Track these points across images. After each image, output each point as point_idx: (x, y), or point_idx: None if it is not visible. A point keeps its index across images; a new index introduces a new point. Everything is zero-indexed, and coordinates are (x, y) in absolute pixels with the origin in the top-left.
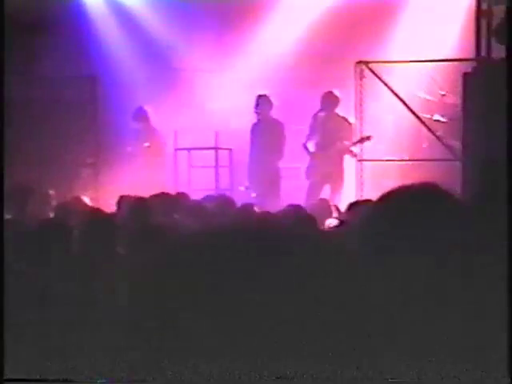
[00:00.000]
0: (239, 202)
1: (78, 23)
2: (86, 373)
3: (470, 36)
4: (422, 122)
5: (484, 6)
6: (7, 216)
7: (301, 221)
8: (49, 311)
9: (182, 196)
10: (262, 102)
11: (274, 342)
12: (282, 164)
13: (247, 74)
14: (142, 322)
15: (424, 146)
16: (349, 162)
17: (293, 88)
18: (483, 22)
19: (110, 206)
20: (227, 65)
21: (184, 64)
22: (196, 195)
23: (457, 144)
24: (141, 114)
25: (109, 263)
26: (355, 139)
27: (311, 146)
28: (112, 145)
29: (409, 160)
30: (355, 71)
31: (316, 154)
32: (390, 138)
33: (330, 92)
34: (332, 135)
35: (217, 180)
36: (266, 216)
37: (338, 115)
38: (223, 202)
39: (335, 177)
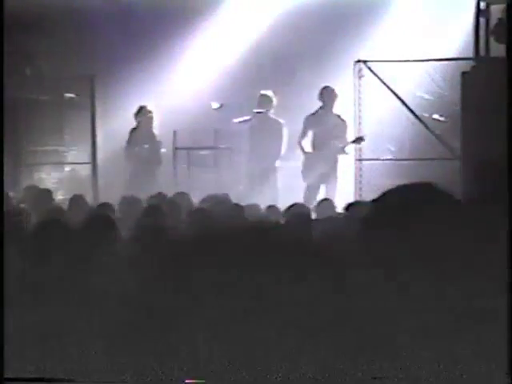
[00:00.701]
0: (238, 202)
1: (76, 22)
2: (86, 373)
3: (468, 35)
4: (421, 121)
5: (482, 5)
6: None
7: (301, 222)
8: (49, 312)
9: (181, 196)
10: (262, 101)
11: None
12: (280, 163)
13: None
14: (144, 323)
15: (423, 144)
16: (347, 161)
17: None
18: (482, 21)
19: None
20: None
21: (182, 62)
22: (195, 195)
23: (456, 143)
24: (141, 113)
25: (109, 263)
26: (351, 139)
27: (306, 145)
28: (110, 145)
29: (407, 159)
30: (354, 70)
31: (312, 153)
32: (389, 137)
33: (328, 87)
34: (327, 133)
35: (216, 179)
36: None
37: (333, 113)
38: (223, 201)
39: (330, 176)
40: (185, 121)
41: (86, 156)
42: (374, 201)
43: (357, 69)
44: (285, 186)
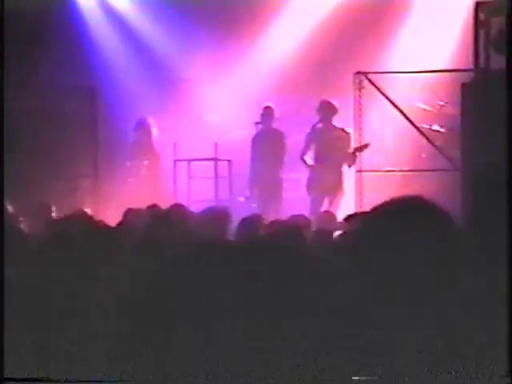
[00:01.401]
0: (239, 214)
1: (75, 33)
2: (86, 373)
3: (468, 47)
4: (421, 133)
5: (482, 17)
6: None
7: (304, 234)
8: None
9: (179, 208)
10: (265, 113)
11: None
12: (282, 174)
13: (247, 84)
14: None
15: (423, 156)
16: (348, 173)
17: (292, 97)
18: (481, 33)
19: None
20: (226, 74)
21: (184, 74)
22: (195, 206)
23: (456, 154)
24: (141, 126)
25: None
26: (353, 148)
27: (309, 159)
28: (111, 157)
29: (408, 170)
30: (354, 82)
31: (314, 166)
32: (389, 148)
33: (327, 101)
34: (330, 146)
35: (216, 191)
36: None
37: (335, 126)
38: (223, 213)
39: (335, 188)
40: (185, 132)
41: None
42: (364, 215)
43: (357, 80)
44: (290, 198)
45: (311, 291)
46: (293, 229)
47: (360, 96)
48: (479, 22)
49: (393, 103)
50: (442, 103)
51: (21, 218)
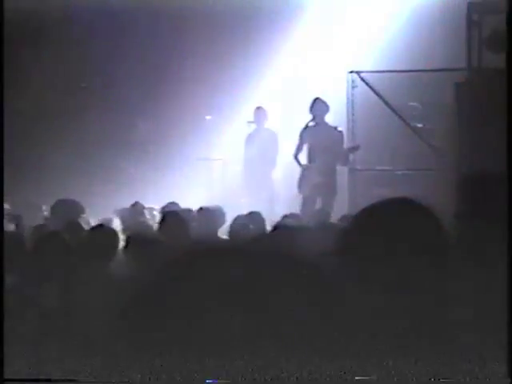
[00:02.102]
0: (233, 213)
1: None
2: (86, 373)
3: (461, 46)
4: (414, 131)
5: (475, 17)
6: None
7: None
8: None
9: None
10: (258, 113)
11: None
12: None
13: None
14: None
15: (416, 154)
16: (341, 172)
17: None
18: (474, 32)
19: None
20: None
21: (180, 74)
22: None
23: (448, 153)
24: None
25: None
26: (345, 148)
27: (302, 158)
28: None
29: (401, 169)
30: (347, 80)
31: (307, 166)
32: (382, 147)
33: (318, 99)
34: (322, 146)
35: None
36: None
37: (327, 124)
38: (219, 213)
39: (327, 188)
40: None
41: None
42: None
43: (350, 79)
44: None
45: (304, 291)
46: (285, 228)
47: (353, 95)
48: (472, 21)
49: (386, 102)
50: (435, 102)
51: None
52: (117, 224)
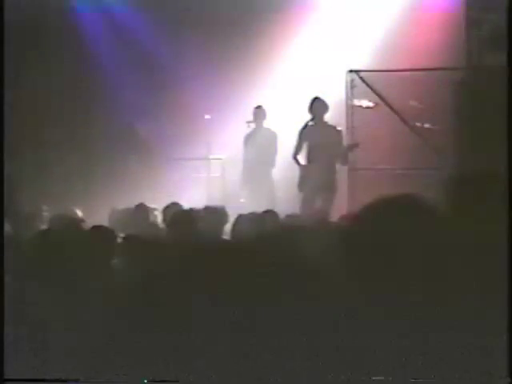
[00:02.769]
0: (233, 213)
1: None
2: (86, 373)
3: (460, 45)
4: (414, 131)
5: (473, 15)
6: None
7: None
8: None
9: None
10: (257, 113)
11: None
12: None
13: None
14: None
15: (416, 154)
16: (341, 171)
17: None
18: (473, 31)
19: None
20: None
21: (176, 73)
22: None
23: (447, 152)
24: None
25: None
26: (344, 147)
27: (301, 158)
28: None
29: (401, 168)
30: (346, 80)
31: (307, 165)
32: (382, 146)
33: (318, 98)
34: (322, 144)
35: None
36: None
37: (327, 123)
38: (220, 212)
39: (327, 187)
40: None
41: None
42: (356, 214)
43: (349, 78)
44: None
45: (305, 289)
46: (285, 228)
47: (352, 94)
48: (471, 20)
49: (385, 101)
50: (434, 101)
51: None
52: (120, 225)
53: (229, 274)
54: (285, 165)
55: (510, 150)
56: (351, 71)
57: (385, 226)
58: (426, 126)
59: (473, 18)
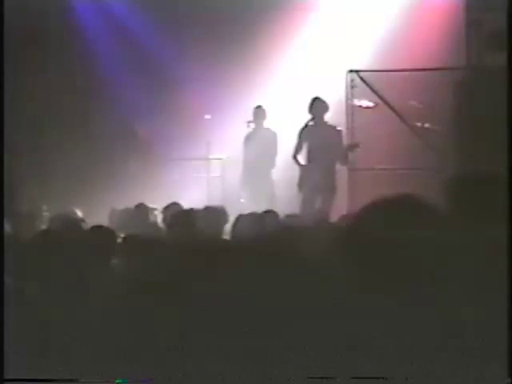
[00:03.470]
0: (234, 213)
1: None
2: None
3: (460, 45)
4: (413, 131)
5: (473, 16)
6: None
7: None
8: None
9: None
10: (257, 113)
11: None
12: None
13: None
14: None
15: (416, 154)
16: (341, 171)
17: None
18: (473, 31)
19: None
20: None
21: (176, 73)
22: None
23: (447, 152)
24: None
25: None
26: (344, 148)
27: (301, 158)
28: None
29: (401, 168)
30: (346, 80)
31: (307, 165)
32: (382, 146)
33: (318, 99)
34: (322, 145)
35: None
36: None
37: (327, 123)
38: (220, 212)
39: (327, 187)
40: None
41: None
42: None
43: (349, 78)
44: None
45: (306, 290)
46: (286, 228)
47: (352, 94)
48: (471, 20)
49: (385, 101)
50: (434, 101)
51: None
52: (120, 225)
53: (229, 274)
54: (285, 165)
55: (510, 150)
56: (351, 71)
57: (384, 226)
58: (426, 126)
59: (473, 18)
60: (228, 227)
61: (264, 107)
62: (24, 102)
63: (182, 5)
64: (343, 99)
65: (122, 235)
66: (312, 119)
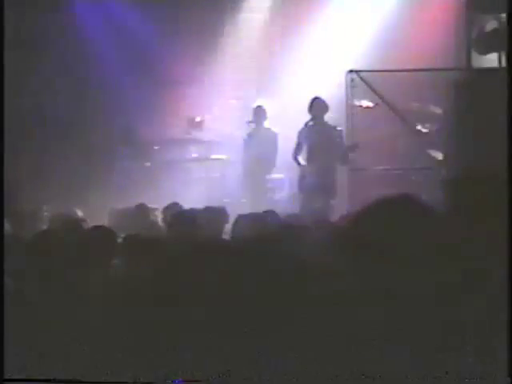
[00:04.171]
0: (234, 214)
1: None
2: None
3: (460, 45)
4: (414, 131)
5: (473, 15)
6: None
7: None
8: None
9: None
10: (257, 113)
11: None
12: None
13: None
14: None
15: (415, 154)
16: (341, 171)
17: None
18: (473, 31)
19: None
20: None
21: (173, 75)
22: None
23: (446, 153)
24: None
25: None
26: (344, 148)
27: (301, 158)
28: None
29: (401, 169)
30: (346, 80)
31: (307, 165)
32: (382, 146)
33: (318, 98)
34: (321, 145)
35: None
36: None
37: (327, 123)
38: (221, 212)
39: (327, 187)
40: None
41: None
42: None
43: (349, 78)
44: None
45: (306, 289)
46: (286, 228)
47: (352, 94)
48: (471, 21)
49: (385, 101)
50: (433, 102)
51: None
52: (121, 225)
53: (229, 274)
54: (285, 165)
55: (510, 150)
56: (351, 71)
57: (384, 226)
58: (426, 126)
59: (473, 18)
60: (228, 227)
61: (264, 107)
62: (24, 102)
63: (181, 2)
64: (343, 99)
65: (122, 235)
66: (312, 119)
